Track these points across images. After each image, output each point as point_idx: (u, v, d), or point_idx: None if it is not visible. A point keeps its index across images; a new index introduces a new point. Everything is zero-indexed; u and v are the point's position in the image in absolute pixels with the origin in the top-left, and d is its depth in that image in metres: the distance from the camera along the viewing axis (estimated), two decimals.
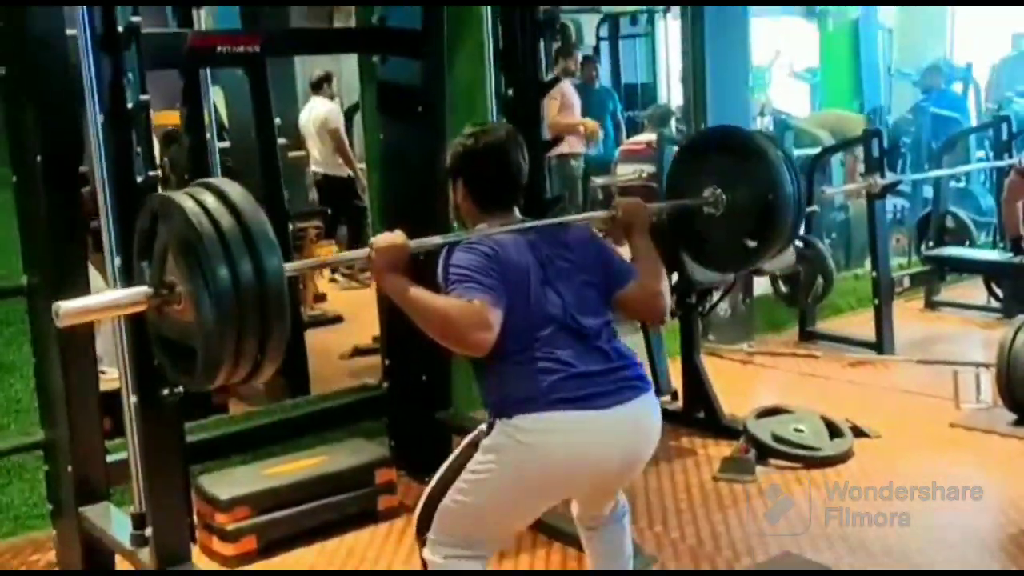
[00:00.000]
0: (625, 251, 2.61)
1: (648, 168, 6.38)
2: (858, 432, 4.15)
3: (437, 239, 2.39)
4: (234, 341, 1.92)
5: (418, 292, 2.23)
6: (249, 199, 2.00)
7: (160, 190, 2.63)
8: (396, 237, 2.28)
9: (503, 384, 2.30)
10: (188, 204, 1.96)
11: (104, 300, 2.15)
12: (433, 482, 2.43)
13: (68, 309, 1.98)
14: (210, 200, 1.97)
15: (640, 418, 2.34)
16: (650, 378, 2.44)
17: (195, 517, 3.34)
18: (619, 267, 2.47)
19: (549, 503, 2.42)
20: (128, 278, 2.39)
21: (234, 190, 2.01)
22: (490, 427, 2.33)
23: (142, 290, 2.05)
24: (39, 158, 2.89)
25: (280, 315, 1.96)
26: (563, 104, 6.87)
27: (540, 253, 2.37)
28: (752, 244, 2.93)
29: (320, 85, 7.44)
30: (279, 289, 1.96)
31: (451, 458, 2.45)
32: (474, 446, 2.36)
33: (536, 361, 2.26)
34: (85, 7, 2.49)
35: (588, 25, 9.85)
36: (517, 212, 2.50)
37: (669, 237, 3.88)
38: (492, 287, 2.22)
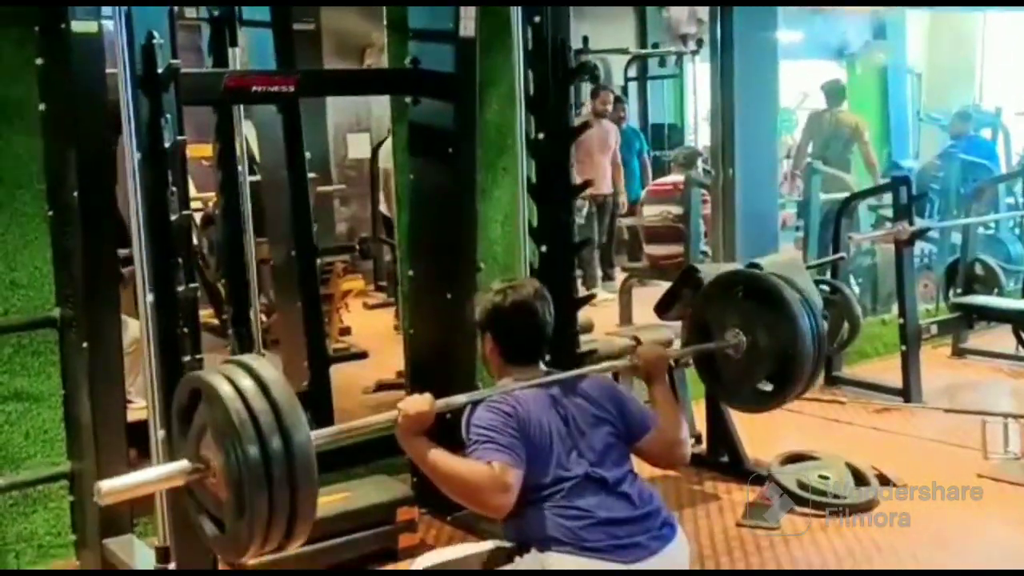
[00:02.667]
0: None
1: (674, 209, 6.39)
2: (884, 481, 4.11)
3: (462, 398, 2.46)
4: (263, 523, 1.97)
5: (439, 456, 2.30)
6: (282, 382, 2.06)
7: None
8: (423, 404, 2.32)
9: (527, 527, 2.36)
10: (227, 391, 2.01)
11: (144, 477, 2.19)
12: None
13: (110, 488, 2.03)
14: (247, 385, 2.02)
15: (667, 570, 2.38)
16: (676, 523, 2.48)
17: None
18: (639, 416, 2.55)
19: None
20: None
21: (268, 373, 2.06)
22: (511, 555, 2.37)
23: (182, 466, 2.09)
24: (76, 194, 2.94)
25: (308, 485, 2.01)
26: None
27: (562, 407, 2.45)
28: (768, 388, 3.02)
29: None
30: (307, 460, 2.00)
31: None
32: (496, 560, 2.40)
33: (560, 509, 2.34)
34: (127, 48, 2.54)
35: (617, 66, 9.91)
36: (542, 365, 2.59)
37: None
38: (511, 447, 2.30)
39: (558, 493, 2.34)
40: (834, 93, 8.22)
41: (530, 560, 2.34)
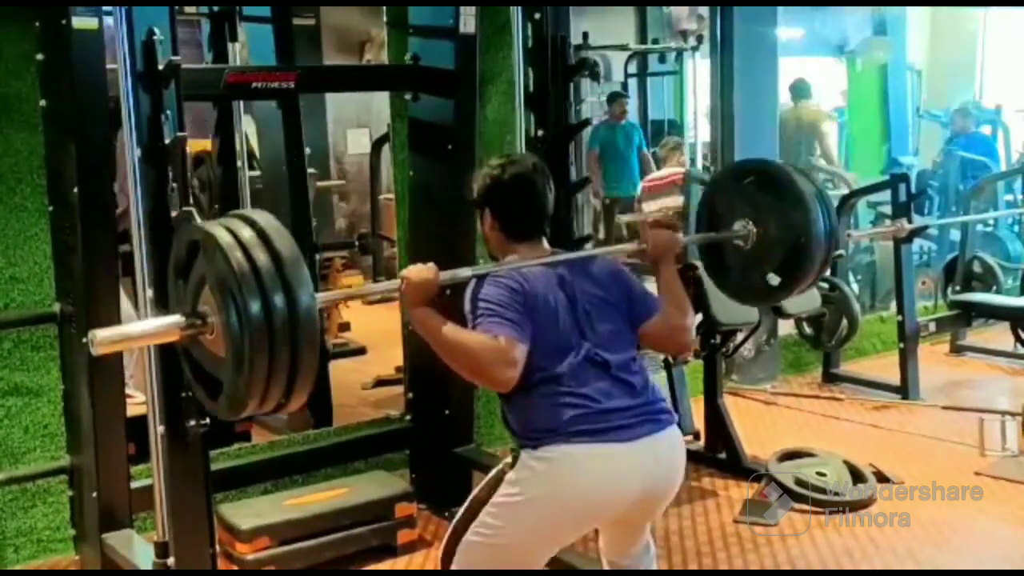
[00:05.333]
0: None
1: (669, 202, 6.36)
2: (881, 478, 4.12)
3: (467, 271, 2.40)
4: (263, 381, 1.92)
5: (445, 326, 2.25)
6: (284, 233, 1.99)
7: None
8: (428, 271, 2.28)
9: (527, 415, 2.31)
10: (227, 240, 1.95)
11: (139, 329, 2.16)
12: (458, 516, 2.45)
13: (103, 337, 1.97)
14: (248, 236, 1.96)
15: (660, 451, 2.34)
16: (673, 414, 2.44)
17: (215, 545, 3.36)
18: (645, 300, 2.49)
19: (570, 537, 2.43)
20: (160, 305, 2.42)
21: (269, 224, 2.00)
22: (515, 460, 2.35)
23: (176, 320, 2.04)
24: (76, 190, 2.95)
25: (311, 348, 1.94)
26: None
27: (568, 287, 2.39)
28: (776, 281, 2.92)
29: None
30: (311, 323, 1.94)
31: (475, 492, 2.46)
32: (499, 480, 2.38)
33: (560, 396, 2.28)
34: (128, 44, 2.54)
35: (617, 62, 9.91)
36: (546, 243, 2.52)
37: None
38: (517, 322, 2.25)
39: (562, 377, 2.29)
40: (795, 90, 8.18)
41: (527, 458, 2.30)
